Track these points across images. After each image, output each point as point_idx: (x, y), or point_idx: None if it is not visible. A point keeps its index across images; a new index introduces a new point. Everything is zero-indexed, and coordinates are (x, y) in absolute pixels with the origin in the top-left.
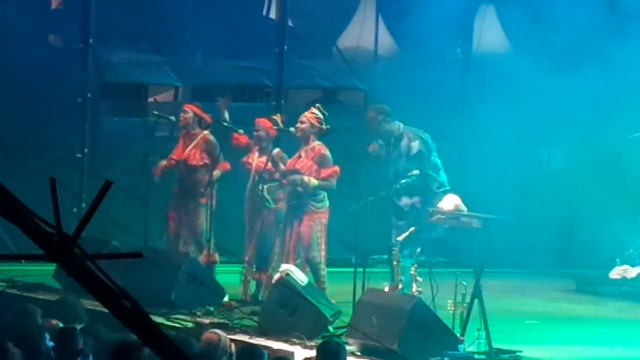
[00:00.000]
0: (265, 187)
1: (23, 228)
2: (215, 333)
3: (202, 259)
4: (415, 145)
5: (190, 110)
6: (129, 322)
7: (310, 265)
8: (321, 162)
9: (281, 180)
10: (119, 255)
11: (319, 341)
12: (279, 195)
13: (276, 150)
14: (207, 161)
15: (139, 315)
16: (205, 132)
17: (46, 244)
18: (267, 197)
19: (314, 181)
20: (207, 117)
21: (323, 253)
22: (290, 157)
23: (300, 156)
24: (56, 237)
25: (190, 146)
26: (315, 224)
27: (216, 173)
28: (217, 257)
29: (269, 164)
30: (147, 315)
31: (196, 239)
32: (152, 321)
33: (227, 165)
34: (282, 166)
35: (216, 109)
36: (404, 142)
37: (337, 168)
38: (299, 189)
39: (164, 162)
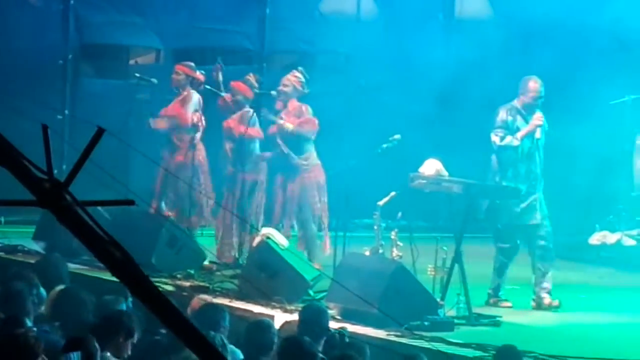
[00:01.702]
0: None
1: (15, 172)
2: (205, 296)
3: (185, 221)
4: None
5: (181, 72)
6: (119, 271)
7: (301, 227)
8: (299, 114)
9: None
10: (110, 202)
11: (299, 305)
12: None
13: (248, 111)
14: (195, 121)
15: (128, 265)
16: (196, 92)
17: (38, 189)
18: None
19: (289, 125)
20: (199, 76)
21: (318, 213)
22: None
23: (281, 118)
24: (48, 183)
25: (181, 104)
26: (309, 183)
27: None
28: (200, 219)
29: (249, 128)
30: (137, 265)
31: (179, 199)
32: (142, 271)
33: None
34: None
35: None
36: None
37: (315, 120)
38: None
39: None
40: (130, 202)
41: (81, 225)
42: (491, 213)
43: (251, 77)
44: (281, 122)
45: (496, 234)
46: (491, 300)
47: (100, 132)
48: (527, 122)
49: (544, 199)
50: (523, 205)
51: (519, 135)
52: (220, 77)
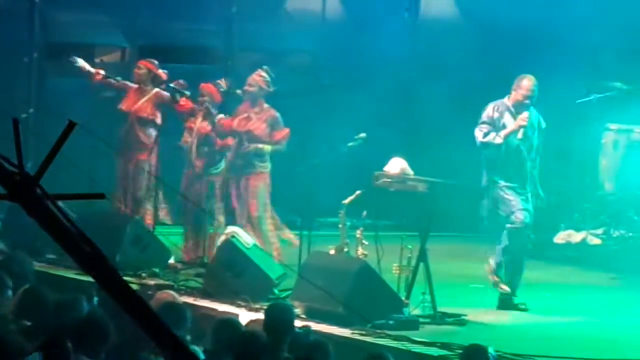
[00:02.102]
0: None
1: None
2: (168, 293)
3: (148, 219)
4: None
5: (144, 67)
6: (88, 265)
7: (258, 226)
8: (274, 124)
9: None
10: (81, 196)
11: (264, 303)
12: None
13: (220, 116)
14: (156, 118)
15: (97, 259)
16: (158, 89)
17: (8, 183)
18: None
19: (267, 147)
20: (161, 74)
21: (269, 214)
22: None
23: (249, 117)
24: (18, 176)
25: (143, 100)
26: (262, 184)
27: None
28: (163, 217)
29: (211, 129)
30: (106, 259)
31: (138, 198)
32: (111, 265)
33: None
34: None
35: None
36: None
37: (288, 130)
38: (251, 138)
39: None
40: (101, 196)
41: (51, 218)
42: (492, 213)
43: (222, 82)
44: (260, 146)
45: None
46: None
47: (71, 126)
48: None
49: (531, 203)
50: None
51: (502, 133)
52: (188, 93)
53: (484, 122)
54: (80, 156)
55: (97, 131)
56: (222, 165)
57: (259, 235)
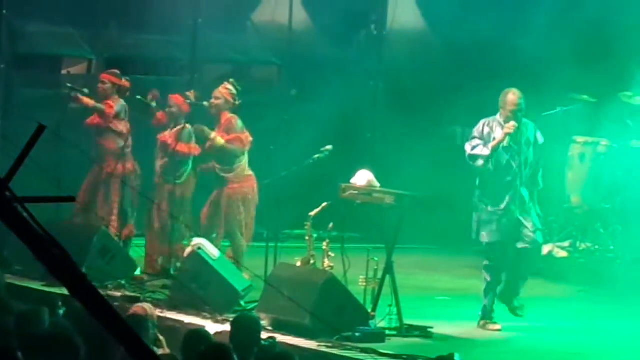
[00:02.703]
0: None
1: None
2: (142, 307)
3: (118, 231)
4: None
5: (107, 80)
6: (57, 270)
7: (228, 238)
8: (228, 129)
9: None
10: (50, 199)
11: (230, 315)
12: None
13: (185, 126)
14: (115, 127)
15: (66, 264)
16: (122, 100)
17: None
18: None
19: (220, 139)
20: (124, 83)
21: (243, 224)
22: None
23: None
24: None
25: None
26: (234, 194)
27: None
28: (132, 230)
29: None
30: (75, 264)
31: (109, 210)
32: (80, 271)
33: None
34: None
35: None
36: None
37: (242, 136)
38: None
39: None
40: (71, 199)
41: (20, 222)
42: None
43: (191, 94)
44: (212, 136)
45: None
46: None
47: (40, 130)
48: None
49: (522, 218)
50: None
51: (490, 145)
52: (154, 104)
53: (474, 137)
54: (48, 165)
55: (64, 142)
56: (185, 175)
57: (231, 246)
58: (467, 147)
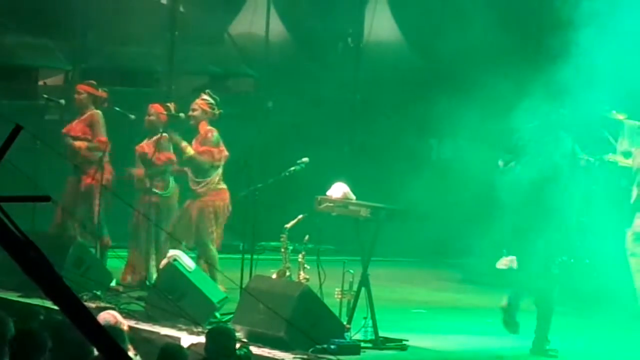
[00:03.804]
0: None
1: None
2: (112, 314)
3: (96, 242)
4: None
5: (83, 91)
6: (33, 272)
7: (200, 250)
8: (204, 142)
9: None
10: (26, 199)
11: (206, 327)
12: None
13: (162, 136)
14: (88, 136)
15: (42, 266)
16: (97, 110)
17: None
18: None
19: (190, 150)
20: (101, 94)
21: (214, 236)
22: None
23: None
24: None
25: (77, 120)
26: (205, 207)
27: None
28: (109, 240)
29: (151, 149)
30: (51, 266)
31: (84, 221)
32: (56, 273)
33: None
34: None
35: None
36: None
37: (214, 150)
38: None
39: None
40: (47, 199)
41: None
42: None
43: (171, 105)
44: (182, 145)
45: None
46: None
47: (17, 130)
48: None
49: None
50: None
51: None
52: (132, 116)
53: (507, 150)
54: (23, 177)
55: (40, 153)
56: (171, 186)
57: (205, 259)
58: (500, 163)
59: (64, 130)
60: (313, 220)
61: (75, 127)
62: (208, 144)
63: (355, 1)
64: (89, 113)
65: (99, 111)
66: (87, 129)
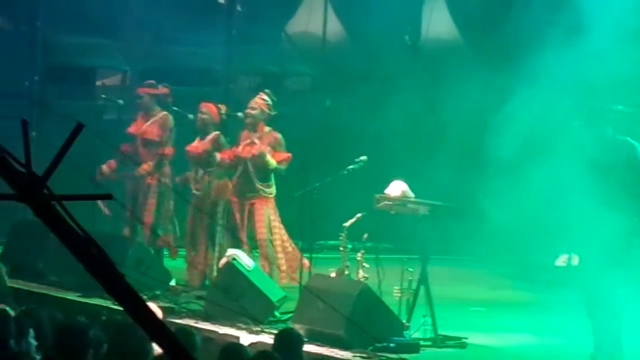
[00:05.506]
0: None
1: None
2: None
3: (157, 241)
4: None
5: (144, 94)
6: (94, 269)
7: (265, 249)
8: (276, 146)
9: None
10: (88, 197)
11: (265, 326)
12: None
13: (216, 133)
14: (162, 138)
15: (104, 264)
16: (165, 112)
17: (17, 183)
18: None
19: (273, 162)
20: (162, 90)
21: (278, 236)
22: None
23: (253, 143)
24: (26, 177)
25: (149, 122)
26: (268, 208)
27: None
28: (171, 240)
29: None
30: (113, 264)
31: (145, 220)
32: (118, 271)
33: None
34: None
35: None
36: None
37: (290, 155)
38: (256, 163)
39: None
40: (109, 197)
41: (58, 220)
42: None
43: (222, 107)
44: (269, 155)
45: None
46: None
47: (79, 128)
48: None
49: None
50: None
51: None
52: (191, 115)
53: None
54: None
55: (100, 153)
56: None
57: (265, 258)
58: None
59: (132, 131)
60: (371, 219)
61: (150, 129)
62: (282, 149)
63: None
64: (160, 115)
65: (168, 113)
66: (161, 132)
